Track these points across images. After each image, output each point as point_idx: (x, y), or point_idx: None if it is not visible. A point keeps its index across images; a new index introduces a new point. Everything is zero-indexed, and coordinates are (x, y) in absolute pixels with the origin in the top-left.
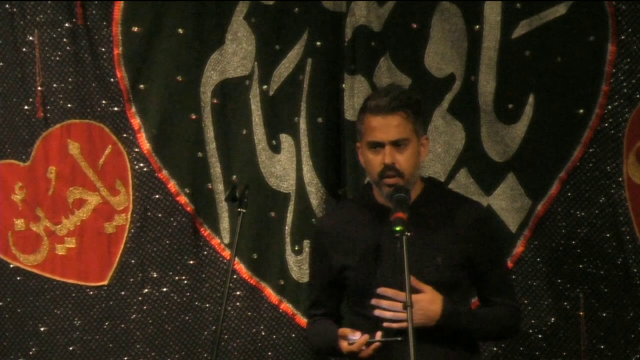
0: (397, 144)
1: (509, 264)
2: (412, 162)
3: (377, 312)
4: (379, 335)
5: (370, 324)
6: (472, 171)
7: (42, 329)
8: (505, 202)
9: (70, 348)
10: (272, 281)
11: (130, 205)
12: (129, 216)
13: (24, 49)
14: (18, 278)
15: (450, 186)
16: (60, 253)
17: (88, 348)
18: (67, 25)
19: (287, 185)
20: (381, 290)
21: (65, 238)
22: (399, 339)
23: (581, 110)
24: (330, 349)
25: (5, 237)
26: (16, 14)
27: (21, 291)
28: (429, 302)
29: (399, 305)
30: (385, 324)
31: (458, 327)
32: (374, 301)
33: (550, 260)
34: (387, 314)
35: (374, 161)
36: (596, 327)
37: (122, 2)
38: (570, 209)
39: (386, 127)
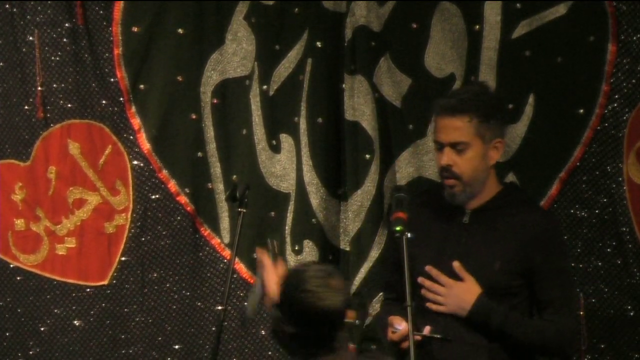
0: (455, 147)
1: None
2: (472, 166)
3: (423, 292)
4: (427, 330)
5: (432, 312)
6: None
7: (42, 329)
8: None
9: (70, 348)
10: None
11: (131, 205)
12: (129, 216)
13: (24, 49)
14: (18, 278)
15: None
16: (60, 253)
17: (88, 348)
18: (67, 25)
19: (287, 185)
20: (428, 268)
21: (66, 238)
22: (438, 336)
23: (581, 110)
24: (385, 336)
25: (5, 237)
26: (16, 14)
27: (21, 291)
28: (464, 291)
29: (439, 288)
30: (427, 304)
31: (490, 324)
32: (419, 280)
33: None
34: (428, 294)
35: (437, 160)
36: (596, 327)
37: (122, 2)
38: (570, 209)
39: (446, 128)
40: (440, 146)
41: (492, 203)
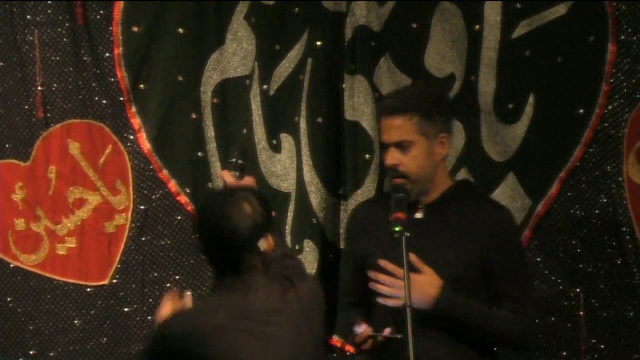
0: (399, 146)
1: None
2: (418, 164)
3: (373, 286)
4: (387, 331)
5: (390, 314)
6: (472, 171)
7: (42, 329)
8: (506, 202)
9: (71, 348)
10: None
11: (131, 205)
12: (129, 216)
13: (24, 49)
14: (18, 278)
15: None
16: (60, 253)
17: (88, 348)
18: (67, 25)
19: (287, 184)
20: (382, 262)
21: (66, 238)
22: (399, 336)
23: (581, 110)
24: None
25: (5, 236)
26: (16, 14)
27: (21, 291)
28: (426, 284)
29: (397, 282)
30: (379, 299)
31: (454, 316)
32: (372, 274)
33: (550, 260)
34: (384, 289)
35: (384, 161)
36: (596, 327)
37: (122, 2)
38: (570, 209)
39: (389, 128)
40: (385, 147)
41: (444, 197)
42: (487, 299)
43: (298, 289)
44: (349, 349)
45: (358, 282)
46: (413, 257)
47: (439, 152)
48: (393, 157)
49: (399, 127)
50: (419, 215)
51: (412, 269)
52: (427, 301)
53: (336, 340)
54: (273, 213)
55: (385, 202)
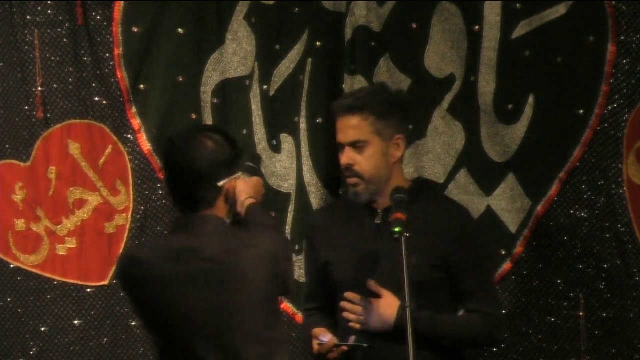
0: (354, 145)
1: (508, 264)
2: (372, 164)
3: (345, 315)
4: (352, 339)
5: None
6: (472, 171)
7: (42, 329)
8: (506, 202)
9: (71, 348)
10: None
11: (131, 205)
12: (129, 216)
13: (24, 49)
14: (19, 278)
15: (450, 187)
16: (60, 253)
17: (88, 348)
18: (67, 25)
19: (287, 185)
20: (347, 294)
21: (66, 238)
22: (365, 345)
23: (581, 111)
24: (310, 348)
25: (5, 237)
26: (16, 14)
27: (22, 291)
28: (384, 307)
29: (360, 309)
30: (350, 324)
31: (418, 332)
32: (342, 304)
33: (550, 260)
34: (351, 316)
35: (339, 161)
36: (596, 327)
37: (122, 2)
38: (570, 209)
39: (344, 128)
40: (341, 147)
41: None
42: (452, 299)
43: (251, 240)
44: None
45: (322, 288)
46: (371, 283)
47: (394, 154)
48: (348, 157)
49: (355, 126)
50: (378, 220)
51: (370, 293)
52: (388, 323)
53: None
54: (273, 214)
55: (343, 205)
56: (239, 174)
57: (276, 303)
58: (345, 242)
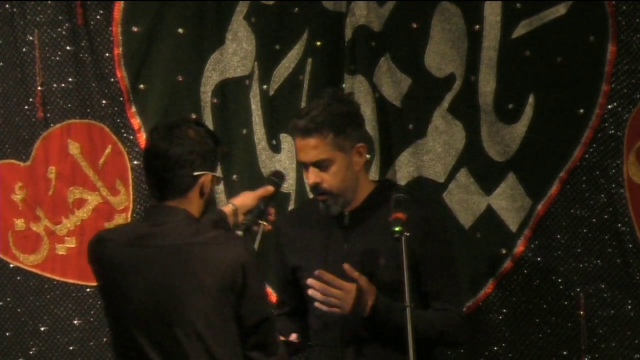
0: (318, 165)
1: (509, 263)
2: (339, 179)
3: (310, 292)
4: (293, 337)
5: (324, 324)
6: (472, 171)
7: (42, 329)
8: (506, 201)
9: (70, 348)
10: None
11: (131, 205)
12: (129, 216)
13: (24, 49)
14: (18, 278)
15: (451, 186)
16: (60, 253)
17: (88, 348)
18: (67, 25)
19: (287, 185)
20: (319, 272)
21: (66, 238)
22: (297, 341)
23: (581, 110)
24: None
25: (5, 237)
26: (16, 14)
27: (21, 291)
28: (361, 293)
29: (335, 292)
30: (316, 304)
31: (390, 323)
32: (309, 281)
33: (550, 260)
34: (319, 296)
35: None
36: (596, 327)
37: (122, 2)
38: (570, 209)
39: (305, 148)
40: (304, 165)
41: (367, 202)
42: (421, 299)
43: (214, 239)
44: None
45: (291, 294)
46: (346, 266)
47: (358, 162)
48: (314, 175)
49: (315, 147)
50: (345, 222)
51: (346, 278)
52: (362, 309)
53: None
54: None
55: (310, 209)
56: (218, 172)
57: (228, 321)
58: (315, 246)
